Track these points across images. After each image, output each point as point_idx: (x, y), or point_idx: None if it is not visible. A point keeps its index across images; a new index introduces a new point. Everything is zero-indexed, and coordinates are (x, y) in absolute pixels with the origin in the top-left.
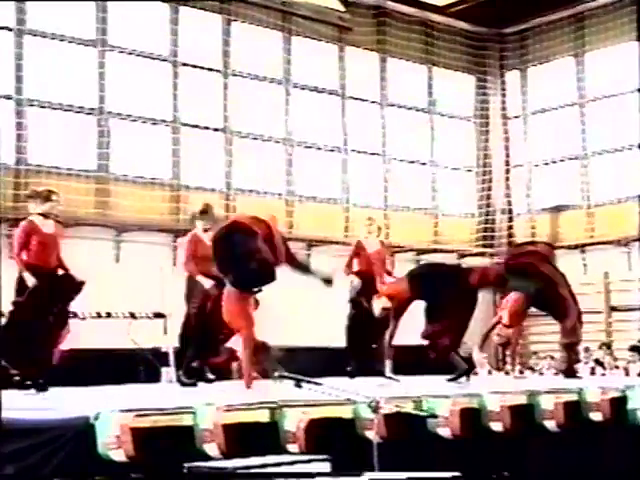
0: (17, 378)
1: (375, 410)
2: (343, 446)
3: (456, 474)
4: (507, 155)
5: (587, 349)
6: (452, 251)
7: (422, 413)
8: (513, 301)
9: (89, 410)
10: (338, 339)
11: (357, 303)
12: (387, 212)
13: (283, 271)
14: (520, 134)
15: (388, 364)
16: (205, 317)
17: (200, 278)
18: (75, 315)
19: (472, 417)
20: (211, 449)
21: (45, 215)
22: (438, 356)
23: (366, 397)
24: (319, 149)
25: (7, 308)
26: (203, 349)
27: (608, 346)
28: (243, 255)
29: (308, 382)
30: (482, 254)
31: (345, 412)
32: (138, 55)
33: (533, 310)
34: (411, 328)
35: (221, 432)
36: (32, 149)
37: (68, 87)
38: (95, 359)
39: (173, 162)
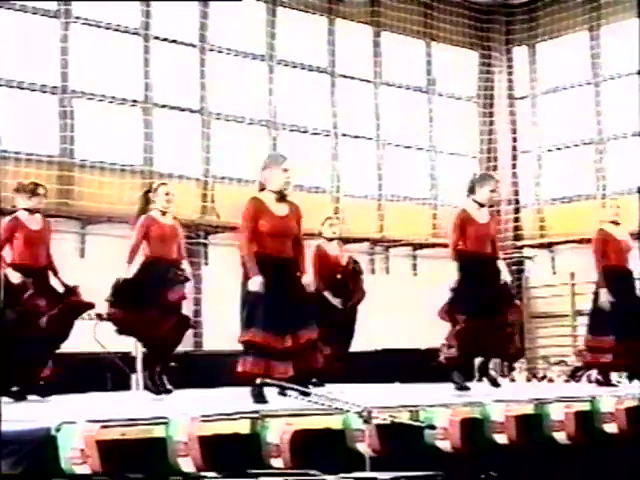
0: None
1: (367, 420)
2: (332, 460)
3: (441, 473)
4: (514, 140)
5: None
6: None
7: (419, 424)
8: None
9: (50, 421)
10: None
11: None
12: (381, 202)
13: None
14: (528, 116)
15: None
16: None
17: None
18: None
19: (474, 428)
20: (185, 464)
21: (31, 210)
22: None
23: (357, 406)
24: (306, 132)
25: None
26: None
27: None
28: None
29: (293, 389)
30: None
31: (334, 423)
32: (106, 28)
33: (540, 311)
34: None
35: (196, 445)
36: None
37: (28, 64)
38: (57, 364)
39: (145, 147)
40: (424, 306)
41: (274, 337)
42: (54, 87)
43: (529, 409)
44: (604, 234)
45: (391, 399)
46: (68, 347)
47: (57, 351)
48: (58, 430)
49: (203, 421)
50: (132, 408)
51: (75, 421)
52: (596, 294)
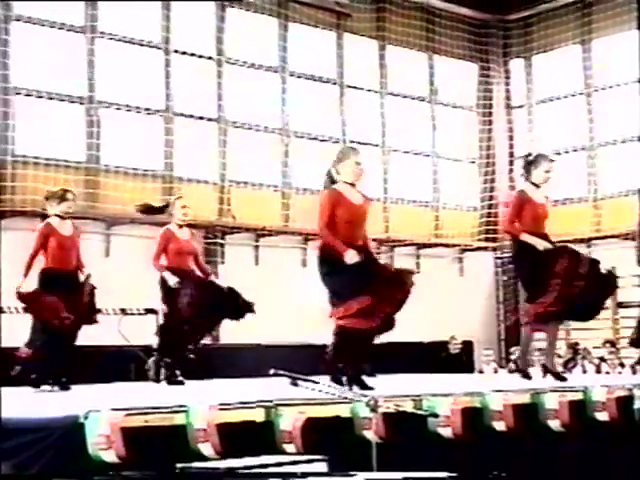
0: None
1: (374, 409)
2: (341, 446)
3: (452, 474)
4: (511, 146)
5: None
6: (453, 245)
7: (422, 412)
8: None
9: (78, 409)
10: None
11: None
12: (386, 205)
13: (273, 260)
14: (524, 124)
15: None
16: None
17: (166, 274)
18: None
19: (474, 416)
20: (205, 449)
21: (62, 216)
22: None
23: (364, 396)
24: (316, 140)
25: None
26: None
27: (612, 343)
28: None
29: (305, 380)
30: (484, 249)
31: (343, 411)
32: (129, 42)
33: None
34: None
35: (215, 432)
36: (19, 140)
37: (57, 75)
38: (84, 356)
39: (165, 153)
40: (427, 300)
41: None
42: (81, 97)
43: (526, 398)
44: None
45: (396, 389)
46: (95, 341)
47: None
48: (86, 418)
49: (221, 409)
50: (154, 397)
51: (101, 409)
52: None
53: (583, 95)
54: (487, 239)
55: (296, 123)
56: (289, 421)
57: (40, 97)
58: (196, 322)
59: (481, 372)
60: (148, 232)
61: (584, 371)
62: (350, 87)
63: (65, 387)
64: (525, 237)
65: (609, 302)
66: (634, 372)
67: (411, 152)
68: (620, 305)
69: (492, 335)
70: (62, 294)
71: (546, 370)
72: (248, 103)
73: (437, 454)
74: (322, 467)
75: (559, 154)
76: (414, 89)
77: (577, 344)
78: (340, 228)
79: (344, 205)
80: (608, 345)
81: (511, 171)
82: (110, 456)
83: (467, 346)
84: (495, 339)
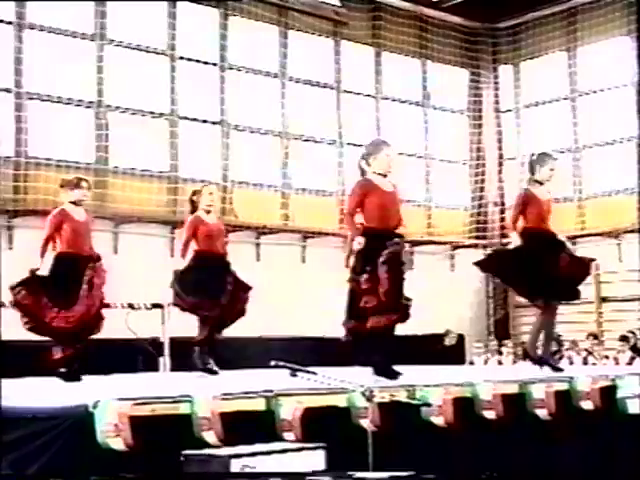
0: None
1: (369, 399)
2: (338, 434)
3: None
4: (500, 148)
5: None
6: (445, 243)
7: (416, 402)
8: None
9: (88, 398)
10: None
11: None
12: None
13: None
14: (513, 127)
15: None
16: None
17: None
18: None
19: (465, 405)
20: (209, 437)
21: (76, 203)
22: None
23: (360, 386)
24: (315, 142)
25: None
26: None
27: (595, 336)
28: None
29: (304, 371)
30: (475, 246)
31: (340, 401)
32: (136, 49)
33: (524, 301)
34: None
35: (218, 420)
36: (32, 142)
37: (67, 81)
38: (94, 349)
39: (171, 155)
40: (420, 295)
41: None
42: (91, 102)
43: (514, 388)
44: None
45: (391, 380)
46: (104, 334)
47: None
48: (95, 407)
49: (224, 399)
50: (160, 387)
51: (110, 399)
52: None
53: (568, 100)
54: (477, 237)
55: (295, 126)
56: (289, 410)
57: (51, 101)
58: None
59: (472, 363)
60: (154, 230)
61: (571, 362)
62: (347, 92)
63: (77, 378)
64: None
65: (593, 297)
66: (617, 363)
67: (405, 154)
68: (604, 300)
69: (482, 328)
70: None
71: (542, 361)
72: (249, 107)
73: (430, 441)
74: (320, 454)
75: None
76: (408, 94)
77: (560, 336)
78: (374, 213)
79: (376, 193)
80: (591, 338)
81: (500, 172)
82: (118, 443)
83: (459, 338)
84: (485, 332)
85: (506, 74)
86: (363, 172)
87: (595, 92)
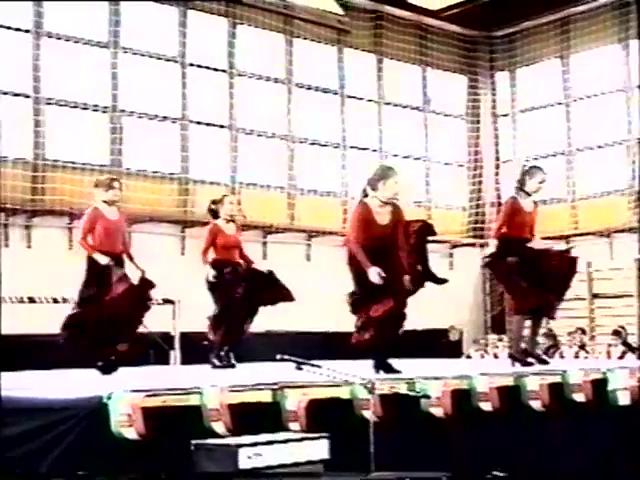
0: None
1: (371, 391)
2: (341, 424)
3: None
4: (497, 151)
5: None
6: (444, 242)
7: (415, 394)
8: None
9: (102, 390)
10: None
11: None
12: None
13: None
14: (509, 131)
15: None
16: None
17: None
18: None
19: (462, 397)
20: (218, 427)
21: (108, 202)
22: None
23: (362, 379)
24: (319, 145)
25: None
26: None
27: (583, 331)
28: None
29: (308, 364)
30: (472, 245)
31: (343, 393)
32: (149, 56)
33: None
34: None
35: (227, 411)
36: (49, 145)
37: (83, 87)
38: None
39: (182, 157)
40: (420, 292)
41: None
42: (106, 107)
43: (509, 381)
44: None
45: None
46: None
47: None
48: (109, 398)
49: (232, 391)
50: (171, 380)
51: (123, 390)
52: None
53: (562, 105)
54: (475, 236)
55: (300, 130)
56: (294, 402)
57: (68, 106)
58: (247, 308)
59: (469, 357)
60: (166, 229)
61: (562, 357)
62: (350, 97)
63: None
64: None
65: (585, 294)
66: (609, 357)
67: (406, 156)
68: (595, 296)
69: (479, 324)
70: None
71: (527, 354)
72: (257, 112)
73: (429, 431)
74: (324, 444)
75: (540, 159)
76: (408, 99)
77: (551, 330)
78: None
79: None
80: (580, 332)
81: (497, 174)
82: (131, 433)
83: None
84: (482, 327)
85: (503, 80)
86: (365, 195)
87: (588, 97)
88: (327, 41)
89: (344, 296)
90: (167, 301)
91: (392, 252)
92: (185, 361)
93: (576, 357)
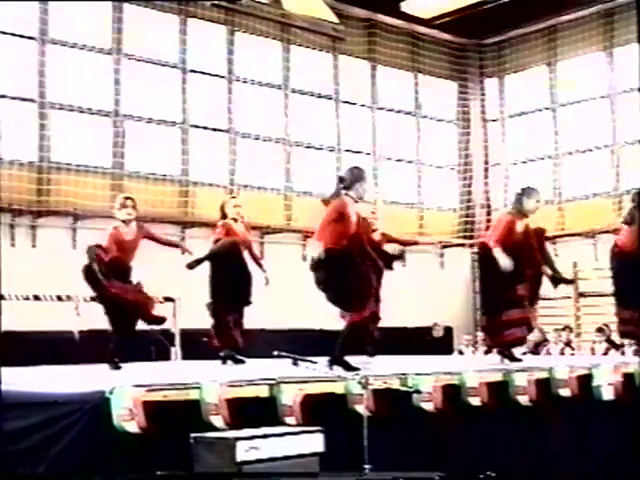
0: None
1: (364, 386)
2: (335, 419)
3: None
4: (486, 155)
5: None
6: (435, 242)
7: (407, 389)
8: None
9: (105, 385)
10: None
11: None
12: (376, 206)
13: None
14: (498, 136)
15: None
16: None
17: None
18: (93, 299)
19: (453, 392)
20: (216, 421)
21: (125, 222)
22: None
23: (356, 374)
24: (315, 148)
25: None
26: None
27: (570, 329)
28: None
29: (304, 360)
30: (462, 245)
31: (337, 388)
32: (150, 63)
33: None
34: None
35: (225, 406)
36: (54, 148)
37: (87, 92)
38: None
39: (182, 160)
40: (412, 291)
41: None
42: (108, 111)
43: (498, 377)
44: None
45: (385, 369)
46: None
47: None
48: (111, 393)
49: (230, 386)
50: (172, 375)
51: (125, 385)
52: None
53: (549, 110)
54: (465, 236)
55: (297, 134)
56: (290, 397)
57: (72, 111)
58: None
59: (461, 353)
60: (166, 230)
61: (548, 353)
62: (344, 102)
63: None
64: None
65: (572, 292)
66: (593, 353)
67: (398, 160)
68: (581, 295)
69: (469, 321)
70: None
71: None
72: (254, 116)
73: (420, 425)
74: (319, 438)
75: (529, 161)
76: (401, 104)
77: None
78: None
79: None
80: (567, 330)
81: (486, 177)
82: (133, 427)
83: (447, 331)
84: (472, 325)
85: (492, 86)
86: (337, 193)
87: (574, 103)
88: (322, 48)
89: None
90: (168, 299)
91: None
92: (185, 357)
93: (562, 354)
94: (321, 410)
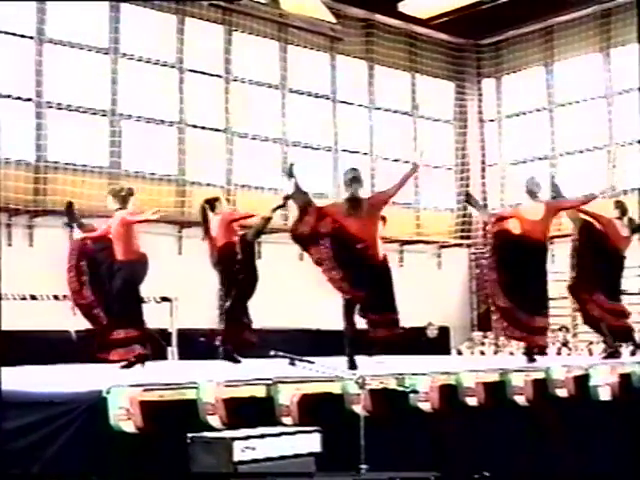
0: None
1: (361, 386)
2: (333, 418)
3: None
4: (483, 155)
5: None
6: (433, 242)
7: (404, 389)
8: None
9: (102, 385)
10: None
11: None
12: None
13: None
14: (495, 136)
15: None
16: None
17: None
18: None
19: (449, 392)
20: (213, 421)
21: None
22: None
23: (353, 374)
24: (312, 148)
25: None
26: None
27: (567, 329)
28: None
29: (301, 360)
30: (460, 245)
31: (334, 388)
32: (147, 62)
33: None
34: None
35: (222, 405)
36: (51, 147)
37: (84, 91)
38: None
39: (179, 160)
40: (409, 291)
41: None
42: (105, 111)
43: (495, 377)
44: None
45: (381, 369)
46: None
47: None
48: (108, 392)
49: (227, 386)
50: (168, 375)
51: (122, 385)
52: None
53: (546, 110)
54: (462, 237)
55: (294, 134)
56: (287, 396)
57: (69, 110)
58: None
59: (460, 353)
60: (164, 229)
61: (545, 353)
62: (342, 102)
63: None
64: None
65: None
66: (590, 354)
67: (395, 159)
68: None
69: (466, 321)
70: None
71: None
72: (252, 116)
73: (416, 425)
74: (316, 437)
75: (526, 162)
76: (398, 104)
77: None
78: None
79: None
80: (564, 330)
81: (483, 177)
82: (129, 426)
83: (444, 331)
84: (469, 325)
85: (489, 86)
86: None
87: (570, 103)
88: (320, 48)
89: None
90: (164, 299)
91: None
92: (182, 357)
93: (558, 354)
94: (318, 410)
